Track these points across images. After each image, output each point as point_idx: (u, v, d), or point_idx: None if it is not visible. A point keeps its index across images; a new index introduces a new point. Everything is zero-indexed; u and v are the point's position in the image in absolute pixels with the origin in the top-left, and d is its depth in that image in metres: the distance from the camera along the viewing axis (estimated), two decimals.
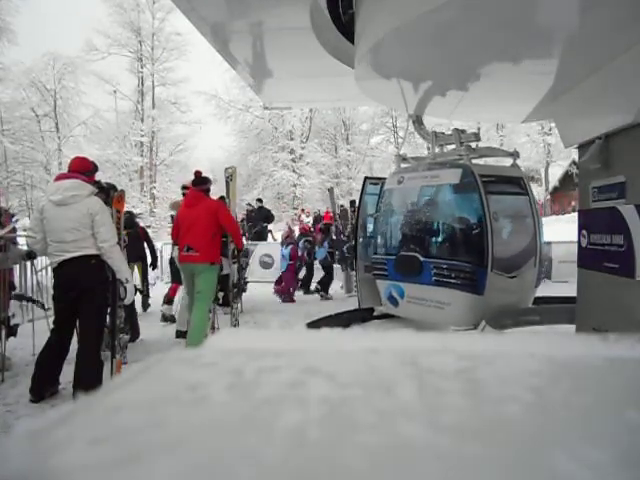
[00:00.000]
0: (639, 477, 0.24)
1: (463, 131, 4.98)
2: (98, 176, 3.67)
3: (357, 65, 3.67)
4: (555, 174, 24.57)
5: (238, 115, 24.64)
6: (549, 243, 9.02)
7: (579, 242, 3.94)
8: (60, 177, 3.32)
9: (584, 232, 3.85)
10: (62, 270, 3.17)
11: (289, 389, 0.34)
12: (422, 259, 4.69)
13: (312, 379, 0.35)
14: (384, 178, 6.14)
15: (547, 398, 0.33)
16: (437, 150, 5.30)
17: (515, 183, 4.89)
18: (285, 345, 0.46)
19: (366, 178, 6.27)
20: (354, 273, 6.74)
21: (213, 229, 4.30)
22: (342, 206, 9.77)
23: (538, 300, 5.92)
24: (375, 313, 5.70)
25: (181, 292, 5.33)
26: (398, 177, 5.23)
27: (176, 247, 4.70)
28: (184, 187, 5.38)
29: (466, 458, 0.25)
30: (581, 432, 0.28)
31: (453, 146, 5.14)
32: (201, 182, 4.52)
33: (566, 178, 23.02)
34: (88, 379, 3.08)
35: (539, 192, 24.15)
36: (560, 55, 3.11)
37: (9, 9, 21.35)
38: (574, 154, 14.79)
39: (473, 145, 4.88)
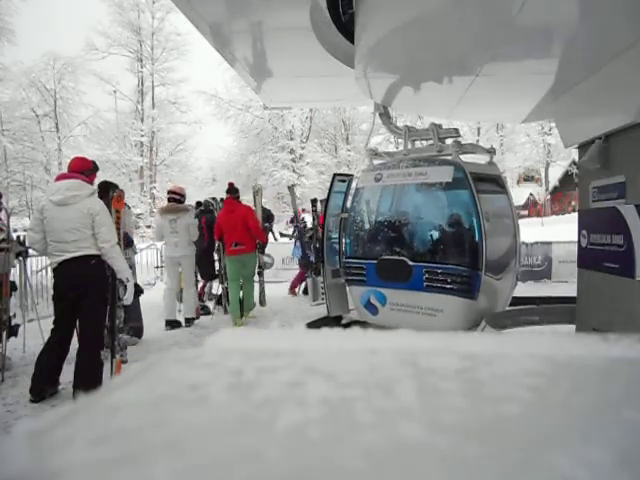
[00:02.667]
0: (639, 477, 0.24)
1: (439, 126, 4.65)
2: (98, 176, 3.69)
3: (357, 65, 3.67)
4: (555, 174, 24.59)
5: (238, 115, 24.62)
6: (549, 243, 9.02)
7: (579, 242, 3.94)
8: (60, 177, 3.35)
9: (584, 232, 3.85)
10: (62, 270, 3.18)
11: (289, 389, 0.34)
12: (411, 263, 4.32)
13: (312, 379, 0.35)
14: (351, 175, 5.78)
15: (547, 398, 0.33)
16: (410, 146, 4.88)
17: (495, 181, 4.69)
18: (285, 345, 0.46)
19: (335, 175, 5.74)
20: (320, 279, 6.21)
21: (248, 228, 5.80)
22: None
23: (538, 300, 5.93)
24: (343, 321, 5.26)
25: (165, 285, 6.03)
26: (375, 174, 4.73)
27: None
28: (169, 192, 6.00)
29: (466, 458, 0.25)
30: (581, 432, 0.28)
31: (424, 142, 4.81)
32: (234, 191, 5.95)
33: (566, 178, 23.05)
34: (88, 379, 3.09)
35: (539, 192, 24.20)
36: (560, 55, 3.10)
37: (9, 9, 21.34)
38: (574, 154, 14.80)
39: (449, 141, 4.57)
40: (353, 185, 5.48)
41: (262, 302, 6.65)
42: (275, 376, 0.36)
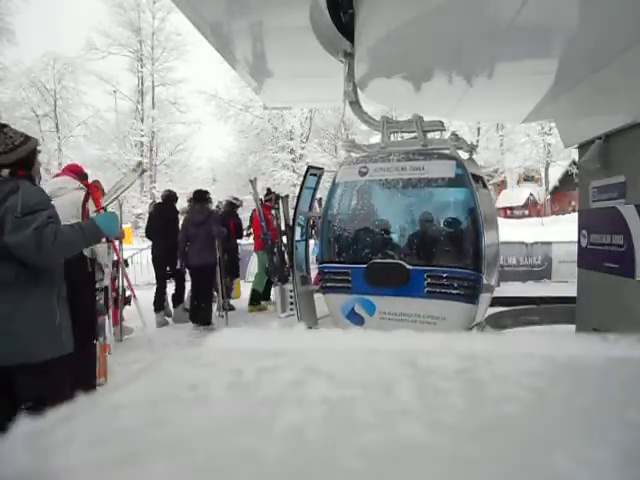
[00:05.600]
0: (639, 476, 0.24)
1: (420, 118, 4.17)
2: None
3: (357, 65, 3.68)
4: (555, 174, 24.60)
5: (238, 115, 24.60)
6: (549, 243, 9.03)
7: (579, 242, 3.95)
8: (54, 176, 3.88)
9: (584, 232, 3.86)
10: None
11: (289, 389, 0.34)
12: (409, 267, 3.88)
13: (312, 379, 0.35)
14: (322, 168, 5.23)
15: (547, 398, 0.33)
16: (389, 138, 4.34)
17: (480, 179, 4.38)
18: (285, 345, 0.46)
19: (309, 167, 5.04)
20: (287, 286, 5.73)
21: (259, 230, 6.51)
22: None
23: (538, 300, 5.93)
24: None
25: None
26: (359, 167, 4.16)
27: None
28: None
29: (466, 458, 0.25)
30: (581, 432, 0.28)
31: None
32: (266, 195, 6.82)
33: (566, 178, 23.06)
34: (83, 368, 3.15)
35: (539, 192, 24.19)
36: (560, 55, 3.11)
37: (9, 9, 21.35)
38: (574, 154, 14.80)
39: (431, 135, 4.17)
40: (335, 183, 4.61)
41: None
42: (275, 376, 0.36)
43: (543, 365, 0.39)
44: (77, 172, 3.79)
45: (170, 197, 6.10)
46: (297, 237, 4.97)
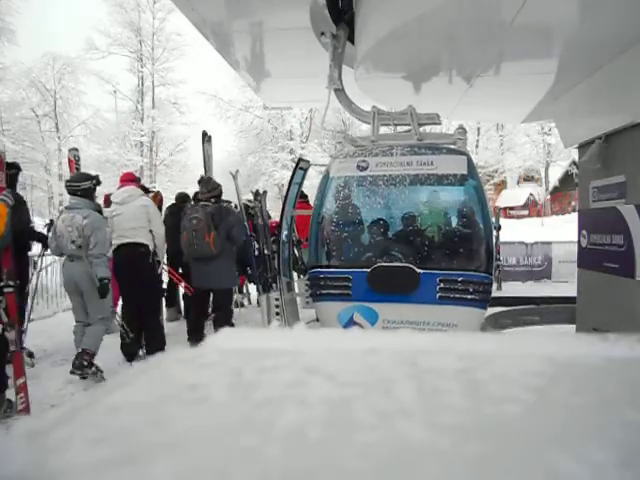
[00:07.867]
0: (639, 477, 0.24)
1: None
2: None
3: (357, 65, 3.68)
4: (555, 174, 24.61)
5: (238, 115, 24.61)
6: (549, 243, 9.04)
7: (579, 242, 3.95)
8: (119, 187, 4.57)
9: (584, 232, 3.86)
10: (119, 252, 4.19)
11: (289, 389, 0.34)
12: (420, 271, 3.55)
13: (312, 379, 0.35)
14: (308, 161, 4.80)
15: (547, 398, 0.33)
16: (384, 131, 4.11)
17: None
18: (285, 345, 0.46)
19: (300, 160, 4.62)
20: (273, 294, 5.21)
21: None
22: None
23: (538, 300, 5.94)
24: None
25: None
26: (358, 161, 3.77)
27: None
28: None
29: (466, 458, 0.25)
30: (581, 432, 0.28)
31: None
32: (303, 197, 6.63)
33: (566, 178, 23.06)
34: (152, 339, 4.14)
35: (539, 192, 24.20)
36: (560, 55, 3.11)
37: (9, 9, 21.34)
38: (574, 154, 14.79)
39: (426, 129, 3.92)
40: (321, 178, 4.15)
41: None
42: (275, 376, 0.36)
43: (543, 365, 0.39)
44: (134, 179, 4.59)
45: (183, 198, 6.37)
46: (283, 239, 4.52)
